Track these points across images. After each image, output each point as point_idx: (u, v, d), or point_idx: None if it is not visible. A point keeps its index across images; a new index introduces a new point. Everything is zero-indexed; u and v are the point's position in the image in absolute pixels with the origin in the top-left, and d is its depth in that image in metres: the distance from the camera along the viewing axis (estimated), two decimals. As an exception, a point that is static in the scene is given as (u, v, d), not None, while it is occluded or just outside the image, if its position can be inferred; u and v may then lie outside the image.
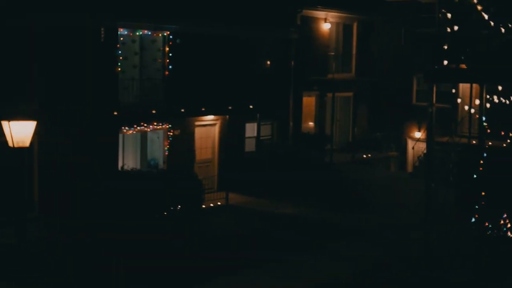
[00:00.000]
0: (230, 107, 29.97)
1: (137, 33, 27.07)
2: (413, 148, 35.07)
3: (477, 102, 17.76)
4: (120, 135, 26.80)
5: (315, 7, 34.53)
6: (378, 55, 37.80)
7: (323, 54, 35.36)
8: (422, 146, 32.74)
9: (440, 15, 15.99)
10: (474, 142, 26.22)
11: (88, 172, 24.93)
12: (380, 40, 38.15)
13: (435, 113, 16.14)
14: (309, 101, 35.52)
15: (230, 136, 30.88)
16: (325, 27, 35.47)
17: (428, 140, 16.30)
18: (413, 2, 35.56)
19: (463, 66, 15.03)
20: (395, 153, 37.28)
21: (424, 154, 29.43)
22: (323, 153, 33.80)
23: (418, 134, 35.38)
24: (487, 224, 18.99)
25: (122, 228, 22.96)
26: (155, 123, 27.77)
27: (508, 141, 24.18)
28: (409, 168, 36.05)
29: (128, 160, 27.43)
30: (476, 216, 18.31)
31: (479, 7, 15.22)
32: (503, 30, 14.55)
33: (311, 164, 31.59)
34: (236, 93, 30.13)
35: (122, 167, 26.51)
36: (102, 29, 25.30)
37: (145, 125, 27.44)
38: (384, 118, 37.81)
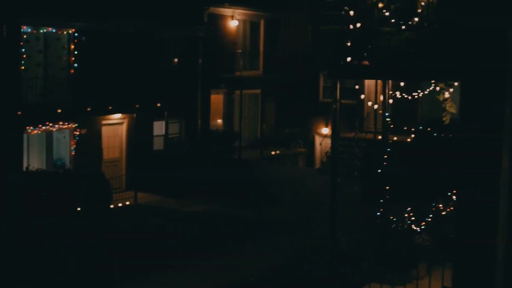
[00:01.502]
0: (137, 105, 29.72)
1: (41, 31, 26.60)
2: (320, 144, 35.48)
3: (382, 98, 18.09)
4: (25, 135, 26.32)
5: (222, 4, 34.58)
6: (286, 52, 38.09)
7: (231, 52, 35.43)
8: (330, 142, 33.08)
9: (343, 12, 16.22)
10: (379, 137, 26.70)
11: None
12: (287, 38, 38.45)
13: (341, 110, 16.34)
14: (217, 99, 35.53)
15: (138, 135, 30.63)
16: (233, 24, 35.55)
17: (333, 136, 16.51)
18: (318, 0, 35.98)
19: (366, 62, 15.28)
20: (303, 149, 37.62)
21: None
22: (232, 150, 33.90)
23: (325, 130, 35.74)
24: (391, 217, 19.34)
25: (24, 231, 22.41)
26: (61, 123, 27.33)
27: (412, 135, 24.72)
28: (317, 164, 36.40)
29: (33, 160, 26.91)
30: (381, 210, 18.64)
31: (380, 5, 15.53)
32: (403, 27, 14.86)
33: (220, 161, 31.64)
34: (143, 91, 29.89)
35: (27, 168, 26.00)
36: (4, 26, 24.77)
37: (51, 124, 27.00)
38: (292, 115, 38.12)
